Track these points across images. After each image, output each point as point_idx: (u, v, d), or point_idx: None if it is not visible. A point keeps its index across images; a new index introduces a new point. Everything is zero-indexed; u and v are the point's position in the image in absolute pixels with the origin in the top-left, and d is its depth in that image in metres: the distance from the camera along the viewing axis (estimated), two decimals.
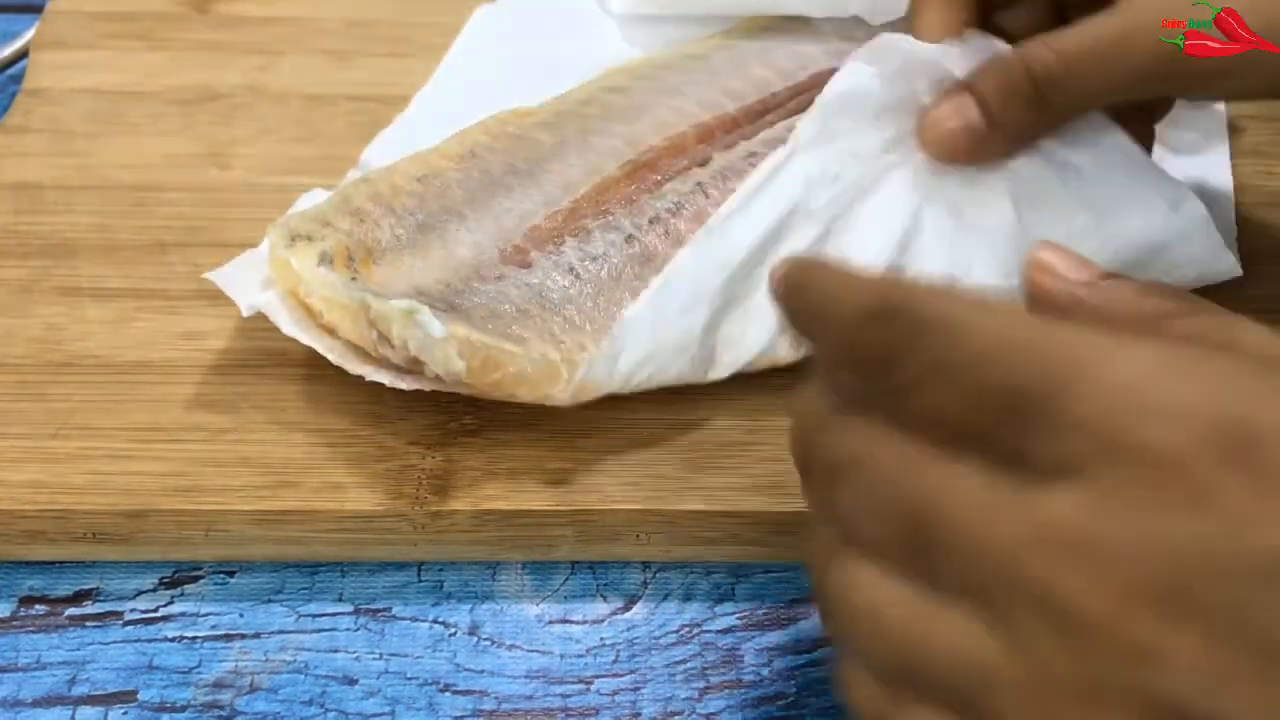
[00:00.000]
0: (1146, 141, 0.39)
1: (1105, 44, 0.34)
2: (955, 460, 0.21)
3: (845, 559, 0.22)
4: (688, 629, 0.33)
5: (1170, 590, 0.19)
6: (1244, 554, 0.19)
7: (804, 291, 0.24)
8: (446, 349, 0.32)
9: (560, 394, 0.33)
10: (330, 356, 0.34)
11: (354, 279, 0.34)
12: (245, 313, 0.34)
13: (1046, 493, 0.20)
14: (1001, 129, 0.35)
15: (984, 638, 0.20)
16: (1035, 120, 0.36)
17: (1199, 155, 0.44)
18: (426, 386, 0.33)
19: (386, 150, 0.42)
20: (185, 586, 0.34)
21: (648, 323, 0.34)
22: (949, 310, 0.21)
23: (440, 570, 0.34)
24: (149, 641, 0.32)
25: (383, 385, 0.33)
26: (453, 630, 0.33)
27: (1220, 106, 0.46)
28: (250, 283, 0.35)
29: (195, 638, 0.32)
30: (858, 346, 0.22)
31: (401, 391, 0.33)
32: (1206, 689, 0.19)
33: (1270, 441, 0.19)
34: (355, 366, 0.33)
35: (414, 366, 0.33)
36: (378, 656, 0.32)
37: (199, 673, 0.32)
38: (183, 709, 0.31)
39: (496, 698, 0.31)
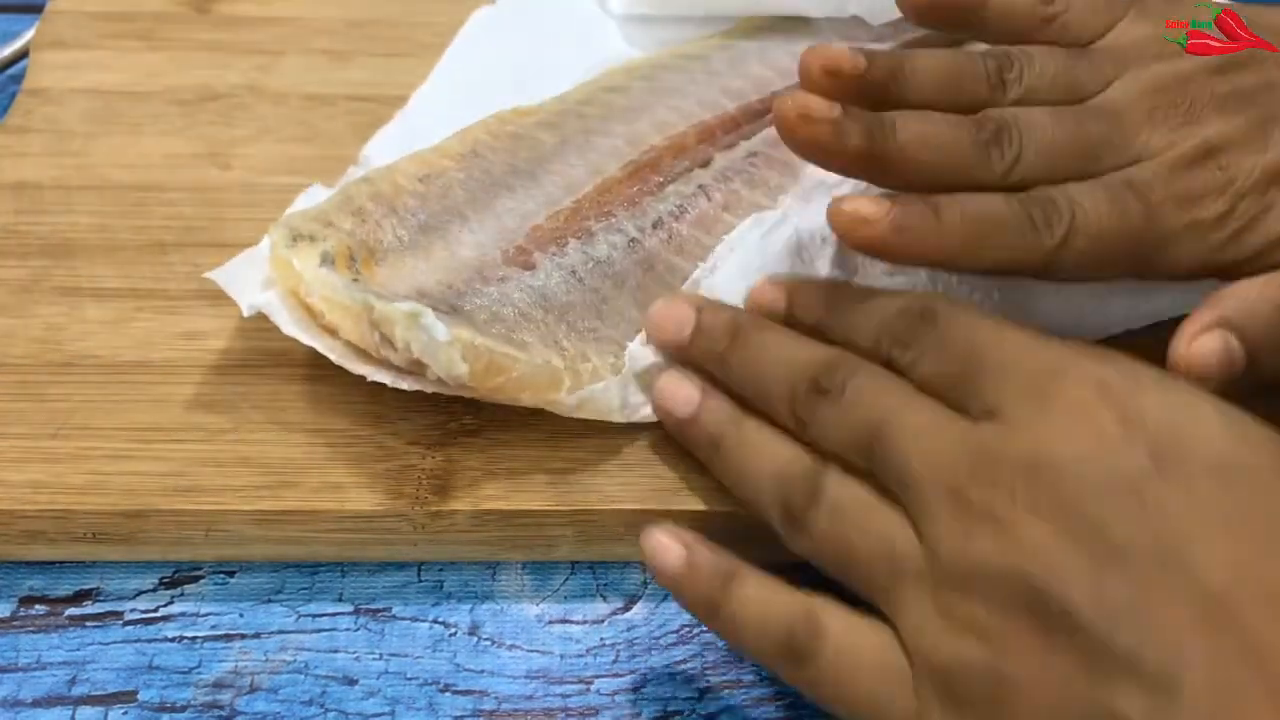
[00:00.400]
0: None
1: None
2: (918, 395, 0.29)
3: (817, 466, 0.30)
4: (688, 629, 0.33)
5: (1046, 496, 0.25)
6: (1101, 472, 0.25)
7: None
8: (450, 352, 0.32)
9: (563, 400, 0.33)
10: (331, 356, 0.33)
11: (356, 280, 0.34)
12: (246, 313, 0.34)
13: (976, 425, 0.28)
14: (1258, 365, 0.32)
15: (905, 529, 0.28)
16: None
17: None
18: (428, 388, 0.33)
19: (387, 146, 0.42)
20: (185, 586, 0.34)
21: (655, 365, 0.34)
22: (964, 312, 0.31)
23: (440, 570, 0.34)
24: (149, 641, 0.32)
25: (383, 385, 0.33)
26: (453, 630, 0.33)
27: None
28: (251, 282, 0.35)
29: (195, 638, 0.32)
30: (888, 321, 0.31)
31: (401, 391, 0.33)
32: (1055, 574, 0.25)
33: (1120, 389, 0.26)
34: (356, 366, 0.33)
35: (416, 368, 0.33)
36: (378, 656, 0.32)
37: (199, 673, 0.32)
38: (183, 709, 0.31)
39: (496, 698, 0.31)
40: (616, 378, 0.34)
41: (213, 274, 0.35)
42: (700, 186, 0.39)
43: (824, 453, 0.30)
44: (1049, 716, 0.24)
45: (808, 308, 0.34)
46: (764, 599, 0.29)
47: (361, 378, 0.33)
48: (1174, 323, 0.32)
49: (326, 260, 0.34)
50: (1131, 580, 0.24)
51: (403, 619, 0.33)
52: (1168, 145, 0.33)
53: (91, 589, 0.33)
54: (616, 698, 0.32)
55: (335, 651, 0.32)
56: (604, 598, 0.34)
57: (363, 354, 0.34)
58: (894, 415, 0.29)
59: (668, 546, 0.30)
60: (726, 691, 0.32)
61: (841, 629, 0.28)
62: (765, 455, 0.31)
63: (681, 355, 0.34)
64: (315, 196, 0.38)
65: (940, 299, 0.32)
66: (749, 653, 0.30)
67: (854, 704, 0.27)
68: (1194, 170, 0.33)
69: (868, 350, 0.31)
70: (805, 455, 0.31)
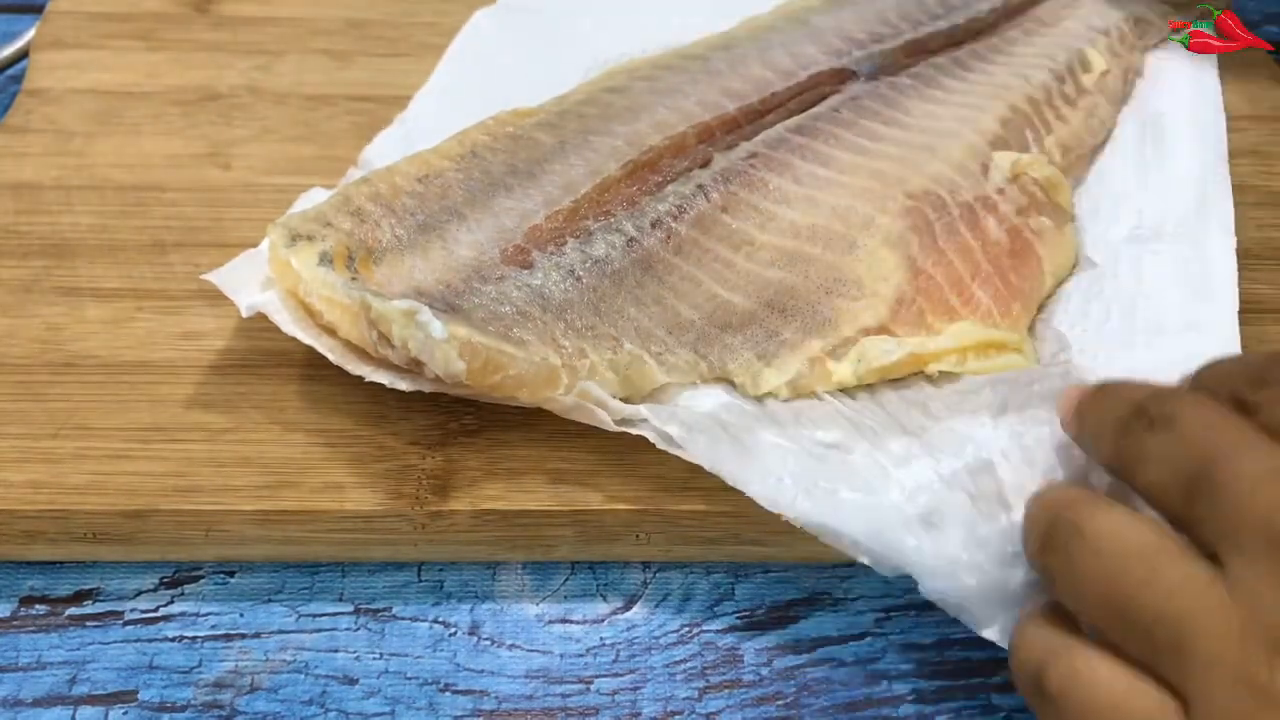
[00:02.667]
0: None
1: None
2: (1262, 437, 0.26)
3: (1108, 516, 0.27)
4: (688, 629, 0.33)
5: None
6: None
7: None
8: (447, 350, 0.32)
9: (560, 399, 0.33)
10: (330, 356, 0.34)
11: (354, 279, 0.34)
12: (245, 313, 0.34)
13: None
14: None
15: (1211, 584, 0.24)
16: None
17: (1197, 154, 0.44)
18: (426, 388, 0.33)
19: (386, 149, 0.42)
20: (185, 586, 0.34)
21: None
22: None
23: (440, 570, 0.34)
24: (149, 641, 0.32)
25: (383, 385, 0.33)
26: (453, 630, 0.33)
27: (1220, 109, 0.46)
28: (250, 282, 0.35)
29: (195, 638, 0.32)
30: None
31: (401, 392, 0.33)
32: None
33: None
34: (355, 367, 0.33)
35: (414, 367, 0.33)
36: (378, 656, 0.32)
37: (199, 672, 0.32)
38: (183, 709, 0.31)
39: (496, 697, 0.31)
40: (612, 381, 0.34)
41: (211, 275, 0.35)
42: (699, 186, 0.39)
43: (1141, 489, 0.28)
44: None
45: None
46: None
47: (361, 377, 0.33)
48: None
49: (325, 260, 0.34)
50: None
51: (403, 619, 0.33)
52: None
53: (92, 589, 0.33)
54: (616, 698, 0.32)
55: (335, 651, 0.32)
56: (604, 598, 0.34)
57: (362, 354, 0.34)
58: (1231, 452, 0.26)
59: None
60: (726, 691, 0.32)
61: (1110, 678, 0.25)
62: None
63: None
64: (315, 198, 0.38)
65: None
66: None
67: None
68: None
69: (1212, 391, 0.28)
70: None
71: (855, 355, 0.35)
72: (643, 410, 0.33)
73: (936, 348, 0.35)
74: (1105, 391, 0.30)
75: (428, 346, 0.32)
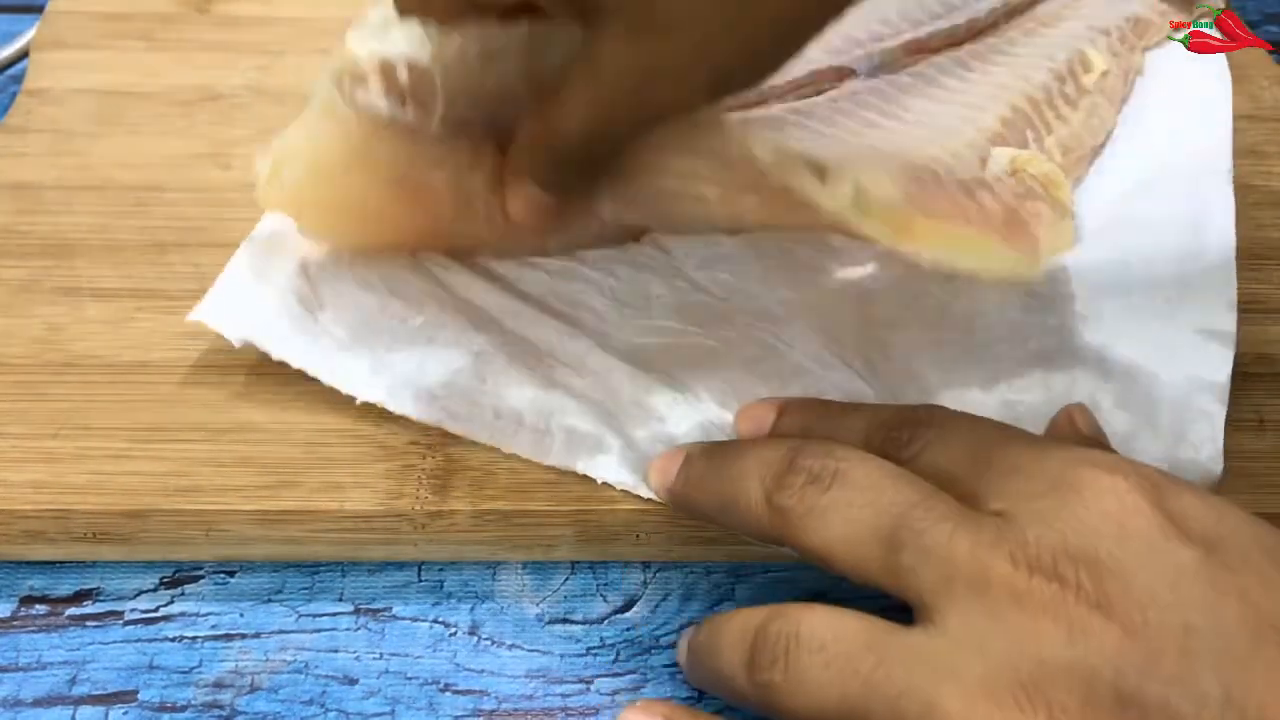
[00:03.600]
0: None
1: None
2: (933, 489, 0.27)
3: (796, 616, 0.27)
4: (687, 629, 0.33)
5: (1109, 589, 0.24)
6: (1159, 563, 0.24)
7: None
8: None
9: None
10: (322, 378, 0.34)
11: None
12: (236, 344, 0.34)
13: (1009, 520, 0.26)
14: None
15: (935, 655, 0.25)
16: None
17: (1198, 153, 0.44)
18: (411, 412, 0.33)
19: None
20: (185, 586, 0.34)
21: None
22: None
23: (440, 570, 0.34)
24: (149, 641, 0.32)
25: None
26: (453, 630, 0.33)
27: (1227, 112, 0.46)
28: (234, 310, 0.35)
29: (195, 638, 0.32)
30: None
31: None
32: (1134, 668, 0.23)
33: (1146, 483, 0.26)
34: (347, 386, 0.34)
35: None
36: (378, 656, 0.32)
37: (199, 672, 0.32)
38: (183, 709, 0.31)
39: (496, 697, 0.31)
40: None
41: (193, 316, 0.35)
42: None
43: (827, 548, 0.27)
44: None
45: (794, 417, 0.32)
46: None
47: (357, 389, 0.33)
48: None
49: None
50: (1222, 665, 0.23)
51: (403, 619, 0.33)
52: None
53: (92, 589, 0.33)
54: (616, 698, 0.32)
55: (335, 651, 0.32)
56: (604, 598, 0.34)
57: (354, 377, 0.34)
58: (911, 509, 0.26)
59: None
60: None
61: None
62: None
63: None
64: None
65: (940, 408, 0.31)
66: None
67: None
68: None
69: (859, 444, 0.29)
70: None
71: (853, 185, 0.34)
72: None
73: (935, 229, 0.35)
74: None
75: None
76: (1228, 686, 0.23)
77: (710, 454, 0.31)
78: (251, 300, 0.35)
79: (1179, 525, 0.25)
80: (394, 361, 0.35)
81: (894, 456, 0.29)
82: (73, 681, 0.31)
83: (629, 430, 0.34)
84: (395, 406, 0.34)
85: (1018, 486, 0.27)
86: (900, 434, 0.29)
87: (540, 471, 0.33)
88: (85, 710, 0.31)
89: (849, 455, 0.28)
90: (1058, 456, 0.27)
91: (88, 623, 0.33)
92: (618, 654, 0.32)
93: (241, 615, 0.33)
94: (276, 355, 0.34)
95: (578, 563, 0.34)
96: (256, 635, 0.32)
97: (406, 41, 0.31)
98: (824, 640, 0.25)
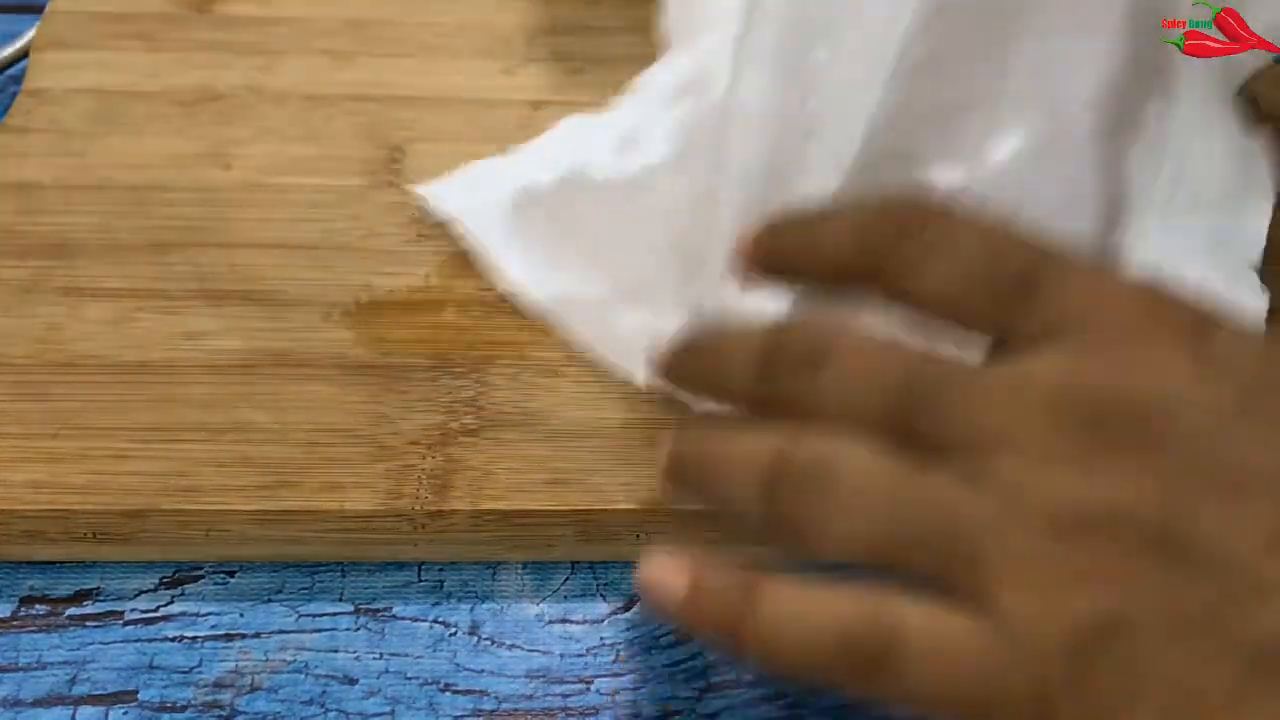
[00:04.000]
0: None
1: None
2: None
3: (819, 440, 0.24)
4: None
5: (1149, 431, 0.22)
6: (1200, 402, 0.22)
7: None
8: None
9: None
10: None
11: None
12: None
13: (1030, 356, 0.23)
14: None
15: (967, 490, 0.23)
16: None
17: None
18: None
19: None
20: (185, 586, 0.34)
21: None
22: (953, 206, 0.25)
23: (440, 570, 0.34)
24: (149, 641, 0.32)
25: (383, 385, 0.33)
26: (453, 630, 0.33)
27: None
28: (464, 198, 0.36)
29: (195, 637, 0.32)
30: (870, 227, 0.25)
31: (402, 391, 0.33)
32: (1178, 510, 0.22)
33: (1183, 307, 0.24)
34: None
35: None
36: (378, 656, 0.32)
37: (199, 672, 0.32)
38: (183, 709, 0.31)
39: (496, 697, 0.31)
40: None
41: (423, 189, 0.36)
42: None
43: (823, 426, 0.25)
44: (1195, 654, 0.21)
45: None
46: (801, 607, 0.24)
47: (361, 377, 0.33)
48: None
49: None
50: (1275, 501, 0.22)
51: (403, 619, 0.33)
52: None
53: (92, 589, 0.33)
54: (616, 698, 0.32)
55: (335, 651, 0.32)
56: (604, 598, 0.34)
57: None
58: (922, 363, 0.24)
59: (665, 572, 0.25)
60: (726, 691, 0.32)
61: (922, 623, 0.23)
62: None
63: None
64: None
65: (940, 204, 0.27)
66: (801, 674, 0.24)
67: (960, 704, 0.22)
68: None
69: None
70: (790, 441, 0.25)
71: None
72: None
73: None
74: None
75: None
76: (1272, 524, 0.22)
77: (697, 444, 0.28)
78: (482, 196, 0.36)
79: (1223, 363, 0.23)
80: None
81: (894, 285, 0.26)
82: (73, 681, 0.31)
83: None
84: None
85: (1048, 318, 0.24)
86: (903, 248, 0.25)
87: (540, 471, 0.33)
88: (85, 710, 0.31)
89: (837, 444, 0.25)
90: (1089, 283, 0.25)
91: (88, 623, 0.33)
92: (618, 654, 0.32)
93: (241, 615, 0.33)
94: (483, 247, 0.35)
95: (578, 563, 0.34)
96: (256, 635, 0.32)
97: None
98: (857, 478, 0.24)
